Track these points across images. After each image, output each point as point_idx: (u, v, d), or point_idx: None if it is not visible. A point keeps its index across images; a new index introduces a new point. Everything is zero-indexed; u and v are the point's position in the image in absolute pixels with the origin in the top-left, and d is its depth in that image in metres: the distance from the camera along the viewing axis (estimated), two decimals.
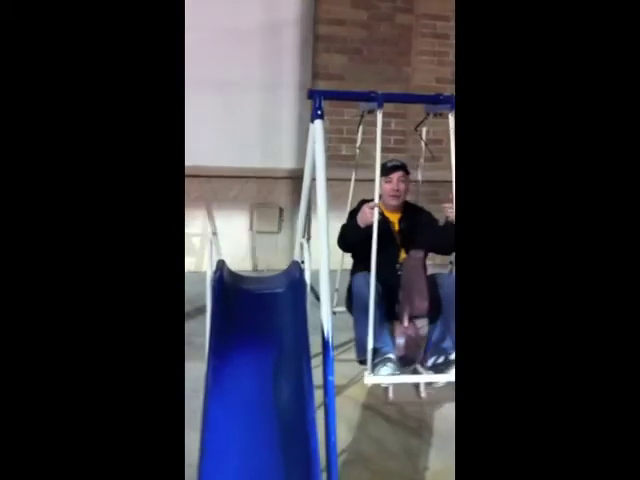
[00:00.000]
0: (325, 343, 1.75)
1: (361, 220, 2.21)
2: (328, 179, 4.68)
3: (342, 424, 2.24)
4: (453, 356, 2.08)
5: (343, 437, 2.15)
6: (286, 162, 4.32)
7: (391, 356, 2.04)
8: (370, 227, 2.00)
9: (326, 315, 1.78)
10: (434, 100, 2.09)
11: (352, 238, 2.29)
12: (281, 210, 4.36)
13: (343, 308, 2.45)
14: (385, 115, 4.46)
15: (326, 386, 1.72)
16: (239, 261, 4.34)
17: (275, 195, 4.41)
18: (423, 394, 2.35)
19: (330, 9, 4.31)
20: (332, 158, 4.49)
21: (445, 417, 2.31)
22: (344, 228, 2.37)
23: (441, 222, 2.36)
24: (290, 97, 4.29)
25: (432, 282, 2.21)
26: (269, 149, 4.28)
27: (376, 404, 2.40)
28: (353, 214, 2.34)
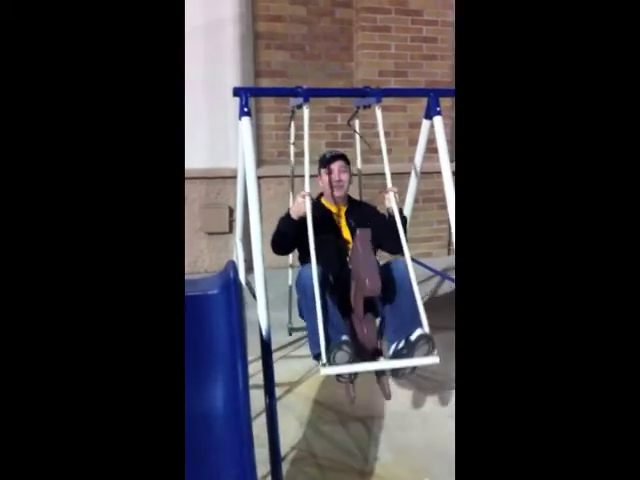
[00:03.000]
0: (264, 343, 1.74)
1: (294, 211, 2.10)
2: (275, 176, 4.68)
3: (293, 421, 2.24)
4: (413, 336, 1.92)
5: (293, 434, 2.14)
6: (233, 162, 4.27)
7: (346, 338, 1.86)
8: (305, 218, 1.92)
9: (263, 314, 1.76)
10: (360, 93, 2.08)
11: (286, 235, 2.18)
12: (231, 210, 4.32)
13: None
14: (330, 110, 4.56)
15: (268, 386, 1.71)
16: (191, 263, 4.28)
17: (224, 195, 4.36)
18: (389, 392, 2.06)
19: (268, 5, 4.28)
20: (280, 155, 4.49)
21: (394, 408, 2.33)
22: (276, 231, 2.25)
23: (385, 216, 2.24)
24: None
25: (384, 266, 2.12)
26: (215, 149, 4.23)
27: (327, 400, 2.40)
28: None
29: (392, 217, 2.10)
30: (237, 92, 1.90)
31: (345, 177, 2.30)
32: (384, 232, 2.18)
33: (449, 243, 4.85)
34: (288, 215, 2.16)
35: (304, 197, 2.00)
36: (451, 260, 4.53)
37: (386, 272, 2.06)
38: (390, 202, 2.10)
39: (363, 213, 2.35)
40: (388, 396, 2.06)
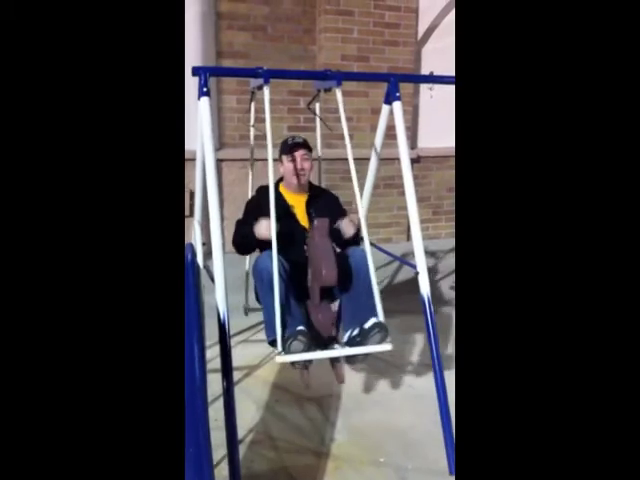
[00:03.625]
0: (221, 326, 1.73)
1: (258, 234, 2.12)
2: (237, 160, 4.62)
3: (251, 404, 2.25)
4: (367, 324, 1.95)
5: (251, 417, 2.16)
6: (194, 144, 4.20)
7: (302, 328, 1.89)
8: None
9: (221, 298, 1.75)
10: (320, 76, 2.07)
11: (249, 246, 2.26)
12: (192, 193, 4.25)
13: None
14: (292, 93, 4.53)
15: (225, 369, 1.71)
16: None
17: (185, 178, 4.28)
18: (342, 377, 2.14)
19: None
20: (242, 138, 4.43)
21: (349, 389, 2.37)
22: (238, 232, 2.27)
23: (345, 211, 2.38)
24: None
25: (341, 254, 2.14)
26: None
27: (285, 383, 2.42)
28: (250, 208, 2.29)
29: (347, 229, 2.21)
30: (196, 71, 1.86)
31: (307, 165, 2.30)
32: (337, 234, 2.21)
33: (408, 229, 4.92)
34: (250, 227, 2.15)
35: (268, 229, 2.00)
36: (410, 246, 4.59)
37: (343, 259, 2.08)
38: (350, 230, 2.19)
39: (324, 203, 2.34)
40: (342, 380, 2.13)
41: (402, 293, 3.55)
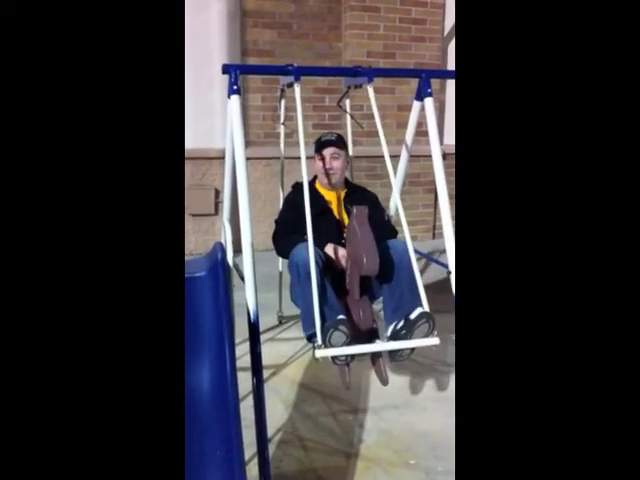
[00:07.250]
0: (251, 325, 1.72)
1: (329, 254, 2.04)
2: (262, 158, 4.63)
3: (279, 403, 2.24)
4: (413, 315, 1.85)
5: (279, 416, 2.15)
6: (220, 142, 4.21)
7: (342, 317, 1.78)
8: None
9: (251, 296, 1.74)
10: (351, 73, 2.05)
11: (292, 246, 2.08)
12: (217, 192, 4.27)
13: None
14: (318, 91, 4.51)
15: (255, 368, 1.70)
16: None
17: (210, 176, 4.31)
18: (386, 374, 1.95)
19: None
20: (267, 136, 4.43)
21: (377, 390, 2.34)
22: (285, 240, 2.17)
23: (385, 211, 2.34)
24: (220, 74, 4.16)
25: (381, 246, 1.99)
26: (200, 129, 4.16)
27: (313, 382, 2.41)
28: (288, 207, 2.23)
29: (388, 217, 2.27)
30: (226, 69, 1.85)
31: (337, 164, 2.22)
32: (377, 226, 2.06)
33: (434, 227, 4.86)
34: (297, 238, 2.03)
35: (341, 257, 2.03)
36: (436, 244, 4.54)
37: (383, 251, 1.96)
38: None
39: (361, 199, 2.22)
40: (385, 382, 1.95)
41: (430, 293, 3.50)
